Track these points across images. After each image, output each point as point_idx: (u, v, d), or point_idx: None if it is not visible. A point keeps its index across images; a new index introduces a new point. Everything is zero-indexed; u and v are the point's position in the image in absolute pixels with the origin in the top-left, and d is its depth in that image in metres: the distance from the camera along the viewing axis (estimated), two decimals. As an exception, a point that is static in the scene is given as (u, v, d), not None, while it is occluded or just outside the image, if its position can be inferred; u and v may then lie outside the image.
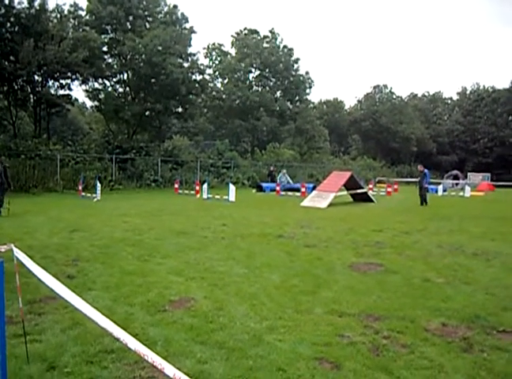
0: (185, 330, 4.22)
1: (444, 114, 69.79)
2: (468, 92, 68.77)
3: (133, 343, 1.87)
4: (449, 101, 72.03)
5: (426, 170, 19.71)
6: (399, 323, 4.49)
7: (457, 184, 37.68)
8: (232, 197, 19.85)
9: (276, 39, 48.05)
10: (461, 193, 28.87)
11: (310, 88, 49.93)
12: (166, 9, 34.24)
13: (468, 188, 29.19)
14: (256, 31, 47.88)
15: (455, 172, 43.53)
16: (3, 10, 24.58)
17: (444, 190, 30.71)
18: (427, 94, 72.76)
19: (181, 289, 5.61)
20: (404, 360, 3.67)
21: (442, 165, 58.80)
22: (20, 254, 2.95)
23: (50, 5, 27.47)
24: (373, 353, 3.80)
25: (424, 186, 19.34)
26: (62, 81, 29.50)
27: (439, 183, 32.72)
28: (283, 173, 28.24)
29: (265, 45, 47.18)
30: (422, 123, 63.40)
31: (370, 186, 28.39)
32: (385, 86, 65.51)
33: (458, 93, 70.78)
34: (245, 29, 47.99)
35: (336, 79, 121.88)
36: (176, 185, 25.32)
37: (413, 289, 5.78)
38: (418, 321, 4.54)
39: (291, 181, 28.58)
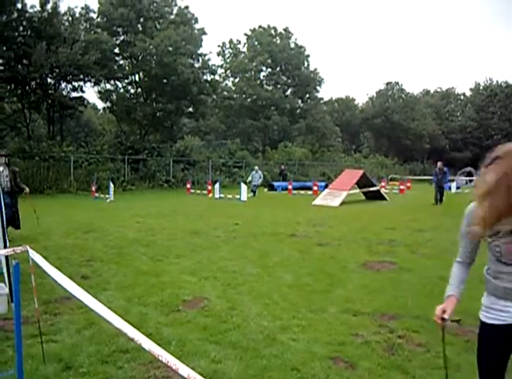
0: (199, 330, 4.23)
1: (457, 111, 68.94)
2: (481, 88, 67.83)
3: (148, 344, 1.87)
4: (461, 97, 71.09)
5: (445, 168, 19.13)
6: (414, 322, 4.45)
7: (470, 181, 37.14)
8: (244, 196, 19.86)
9: (289, 38, 47.97)
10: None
11: (320, 85, 49.80)
12: (176, 9, 34.34)
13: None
14: (269, 29, 47.84)
15: (468, 169, 42.93)
16: (16, 14, 24.87)
17: (457, 187, 30.35)
18: (439, 90, 72.00)
19: (194, 289, 5.62)
20: (420, 359, 3.63)
21: (455, 162, 58.13)
22: (35, 255, 2.97)
23: (62, 8, 27.61)
24: (388, 352, 3.77)
25: (443, 186, 18.84)
26: (74, 83, 29.78)
27: (453, 180, 32.35)
28: (255, 170, 23.81)
29: (277, 42, 47.10)
30: (434, 120, 62.70)
31: (383, 184, 28.17)
32: (397, 83, 64.97)
33: (471, 89, 69.84)
34: (259, 27, 47.97)
35: (347, 76, 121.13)
36: (188, 186, 25.39)
37: (428, 287, 5.71)
38: (433, 320, 4.48)
39: (260, 179, 23.92)
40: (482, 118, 63.06)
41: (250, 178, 23.76)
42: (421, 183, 37.51)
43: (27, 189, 9.47)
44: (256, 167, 24.46)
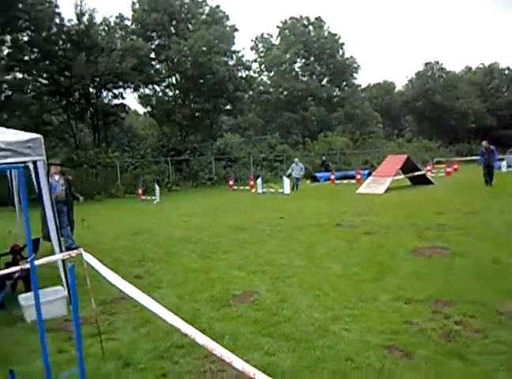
0: (250, 323, 4.28)
1: (502, 86, 65.78)
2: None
3: (202, 338, 1.91)
4: (506, 72, 67.78)
5: (492, 147, 17.78)
6: (470, 307, 4.31)
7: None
8: (287, 189, 19.82)
9: (322, 27, 47.38)
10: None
11: (357, 72, 48.98)
12: (207, 9, 34.61)
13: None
14: (301, 19, 47.44)
15: (515, 147, 40.95)
16: (55, 29, 25.84)
17: (509, 166, 29.00)
18: (481, 66, 68.92)
19: (243, 283, 5.68)
20: (479, 345, 3.52)
21: (503, 140, 55.48)
22: (89, 258, 3.09)
23: (98, 19, 28.51)
24: (444, 339, 3.67)
25: (493, 165, 17.63)
26: (114, 91, 30.66)
27: (502, 159, 30.94)
28: (295, 162, 22.58)
29: (311, 33, 46.65)
30: (479, 97, 60.13)
31: (429, 168, 27.34)
32: (437, 62, 62.80)
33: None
34: (291, 18, 47.65)
35: (384, 61, 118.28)
36: (231, 182, 25.61)
37: (483, 271, 5.52)
38: (490, 305, 4.33)
39: (302, 171, 22.61)
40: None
41: (289, 171, 23.08)
42: (469, 164, 36.15)
43: (81, 198, 9.58)
44: (296, 159, 23.72)
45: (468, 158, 39.62)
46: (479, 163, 20.90)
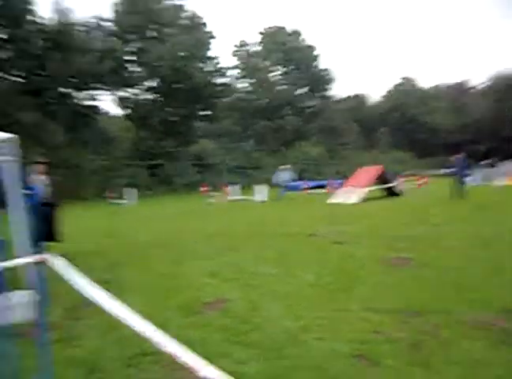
0: (221, 331, 4.24)
1: (472, 103, 67.78)
2: (497, 79, 66.58)
3: (171, 346, 1.89)
4: (478, 88, 69.94)
5: (464, 161, 18.14)
6: (437, 317, 4.39)
7: (489, 173, 36.41)
8: (260, 197, 19.87)
9: (298, 39, 48.06)
10: (495, 183, 27.99)
11: (331, 84, 49.88)
12: (185, 15, 34.62)
13: (501, 177, 28.27)
14: (282, 29, 48.03)
15: (488, 161, 42.24)
16: (32, 27, 25.36)
17: (476, 180, 29.83)
18: (454, 82, 71.01)
19: (215, 291, 5.65)
20: (444, 355, 3.58)
21: (472, 154, 57.02)
22: (58, 261, 3.02)
23: (77, 19, 28.07)
24: (411, 348, 3.73)
25: (463, 179, 17.94)
26: (90, 92, 30.23)
27: (469, 174, 31.77)
28: (282, 168, 21.81)
29: (290, 42, 47.26)
30: (449, 113, 61.88)
31: (401, 180, 27.88)
32: (411, 79, 64.51)
33: (488, 80, 68.67)
34: (269, 27, 48.17)
35: (361, 74, 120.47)
36: (205, 188, 25.53)
37: (449, 282, 5.64)
38: (456, 315, 4.43)
39: (287, 179, 21.76)
40: (499, 108, 61.88)
41: (275, 179, 21.75)
42: (439, 177, 37.04)
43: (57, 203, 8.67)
44: (281, 167, 22.39)
45: (438, 171, 40.57)
46: (451, 176, 21.14)
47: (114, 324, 4.28)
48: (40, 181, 7.80)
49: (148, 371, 3.46)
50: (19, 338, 4.13)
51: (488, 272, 6.02)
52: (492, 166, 39.95)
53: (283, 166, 22.59)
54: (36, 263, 3.05)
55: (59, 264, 2.97)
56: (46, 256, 2.87)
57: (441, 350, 3.67)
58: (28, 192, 7.14)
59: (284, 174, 21.52)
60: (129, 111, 34.56)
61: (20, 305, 4.63)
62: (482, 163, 37.22)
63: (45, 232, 7.39)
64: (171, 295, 5.48)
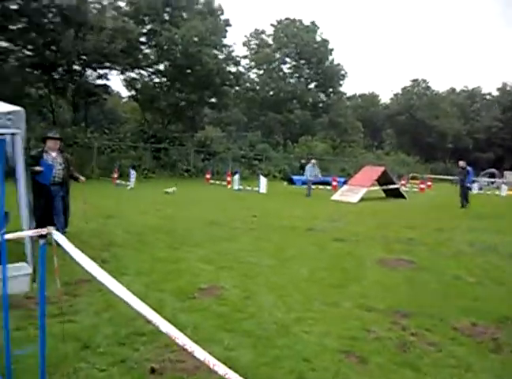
0: (214, 317, 4.31)
1: (482, 110, 67.48)
2: (508, 88, 66.21)
3: (165, 326, 1.94)
4: (488, 97, 69.57)
5: (469, 168, 17.74)
6: (427, 320, 4.45)
7: (493, 182, 36.30)
8: (263, 188, 19.91)
9: (315, 32, 47.66)
10: (497, 192, 27.99)
11: (343, 79, 49.54)
12: (202, 0, 34.36)
13: (504, 187, 28.24)
14: (295, 21, 47.65)
15: (492, 170, 42.06)
16: (46, 1, 25.22)
17: (480, 189, 29.80)
18: (465, 89, 70.57)
19: (211, 277, 5.71)
20: (432, 358, 3.64)
21: (478, 162, 56.88)
22: (58, 237, 3.07)
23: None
24: (400, 349, 3.79)
25: (467, 186, 17.56)
26: (100, 71, 30.19)
27: (474, 181, 31.78)
28: (312, 163, 21.56)
29: (303, 35, 46.84)
30: (459, 119, 61.58)
31: (403, 182, 27.86)
32: (424, 80, 64.06)
33: (498, 89, 68.25)
34: (285, 19, 47.82)
35: (372, 72, 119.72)
36: (208, 176, 25.55)
37: (443, 287, 5.70)
38: (447, 320, 4.48)
39: (319, 174, 22.20)
40: (508, 118, 61.61)
41: (307, 173, 21.03)
42: (442, 183, 36.98)
43: (82, 179, 8.04)
44: (313, 161, 21.78)
45: (442, 177, 40.45)
46: (455, 183, 20.89)
47: (110, 303, 4.37)
48: (51, 158, 7.26)
49: (141, 351, 3.52)
50: (12, 309, 4.21)
51: (487, 281, 6.07)
52: (494, 176, 39.83)
53: (313, 161, 21.83)
54: (40, 236, 3.09)
55: (61, 240, 3.02)
56: (50, 229, 2.91)
57: (429, 353, 3.72)
58: (37, 169, 7.02)
59: (312, 169, 20.98)
60: (136, 93, 34.52)
61: (15, 277, 4.71)
62: (484, 172, 37.07)
63: (49, 215, 6.92)
64: (168, 279, 5.54)
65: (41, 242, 2.89)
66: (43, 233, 3.04)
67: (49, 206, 7.13)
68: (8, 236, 2.92)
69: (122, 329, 3.91)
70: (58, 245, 3.39)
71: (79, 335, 3.75)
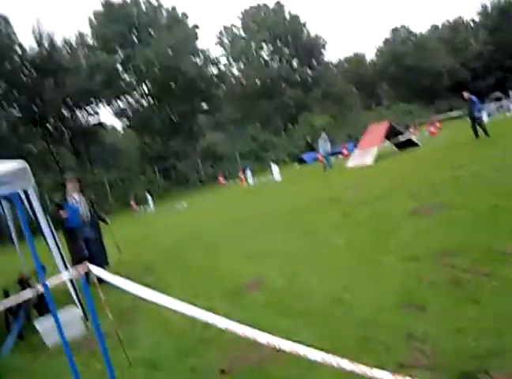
0: (266, 308, 4.34)
1: (470, 39, 66.11)
2: (489, 10, 64.69)
3: (224, 323, 1.97)
4: (471, 23, 68.15)
5: (473, 97, 16.83)
6: (475, 254, 4.39)
7: (501, 106, 35.43)
8: (277, 176, 19.90)
9: (283, 11, 47.34)
10: (508, 114, 27.41)
11: (325, 49, 49.15)
12: (165, 13, 34.37)
13: (514, 106, 27.67)
14: (262, 7, 47.40)
15: (497, 94, 41.19)
16: (18, 59, 25.57)
17: (489, 115, 29.21)
18: (447, 23, 69.19)
19: (251, 272, 5.73)
20: (489, 287, 3.60)
21: (481, 91, 55.88)
22: (97, 271, 3.12)
23: (58, 41, 28.20)
24: (455, 287, 3.75)
25: (477, 116, 16.63)
26: (88, 109, 30.47)
27: (482, 109, 31.14)
28: (323, 138, 20.96)
29: (272, 18, 46.54)
30: (449, 54, 60.47)
31: (412, 130, 27.51)
32: (403, 26, 63.20)
33: (479, 13, 66.79)
34: (251, 7, 47.61)
35: (352, 33, 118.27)
36: (220, 179, 25.63)
37: (482, 219, 5.60)
38: (494, 248, 4.42)
39: (329, 148, 21.46)
40: (497, 39, 60.23)
41: (320, 149, 20.68)
42: (451, 120, 36.39)
43: (107, 219, 7.96)
44: (323, 133, 21.41)
45: (451, 114, 39.69)
46: (465, 116, 20.03)
47: (163, 320, 4.44)
48: (75, 200, 7.27)
49: (206, 357, 3.57)
50: (75, 351, 4.30)
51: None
52: (500, 99, 38.97)
53: (323, 135, 21.39)
54: (82, 275, 3.15)
55: (102, 274, 3.07)
56: (87, 266, 2.97)
57: (485, 284, 3.68)
58: (62, 213, 7.02)
59: (324, 144, 20.65)
60: (129, 120, 34.77)
61: (69, 321, 4.81)
62: (489, 97, 36.28)
63: (88, 255, 6.93)
64: (212, 285, 5.60)
65: (82, 281, 2.94)
66: (82, 272, 3.10)
67: (85, 248, 7.18)
68: (50, 281, 2.98)
69: (181, 342, 3.97)
70: (100, 281, 3.46)
71: (145, 358, 3.82)
